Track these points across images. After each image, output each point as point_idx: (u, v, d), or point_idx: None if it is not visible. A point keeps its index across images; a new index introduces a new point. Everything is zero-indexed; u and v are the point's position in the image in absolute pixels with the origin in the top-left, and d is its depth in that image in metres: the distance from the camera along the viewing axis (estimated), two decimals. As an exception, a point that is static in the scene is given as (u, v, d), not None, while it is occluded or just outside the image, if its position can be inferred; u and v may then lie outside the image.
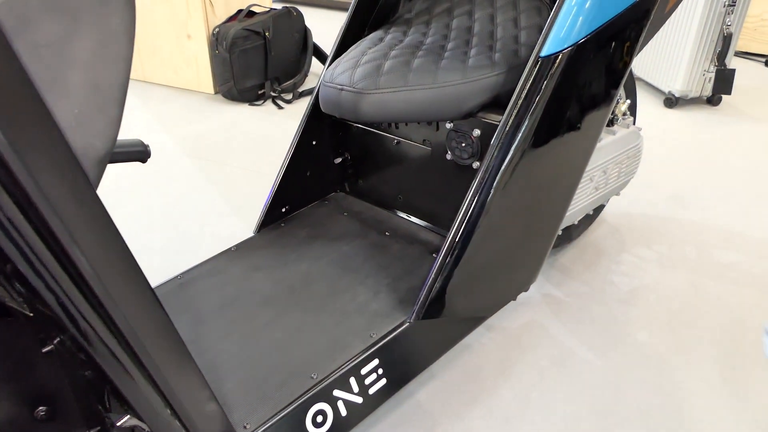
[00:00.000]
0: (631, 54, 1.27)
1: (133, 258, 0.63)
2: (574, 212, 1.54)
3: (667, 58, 2.75)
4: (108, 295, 0.60)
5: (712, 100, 2.79)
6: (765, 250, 1.82)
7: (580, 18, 1.11)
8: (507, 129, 1.11)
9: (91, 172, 0.59)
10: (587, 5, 1.11)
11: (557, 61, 1.10)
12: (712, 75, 2.69)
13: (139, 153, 0.84)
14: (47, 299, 0.57)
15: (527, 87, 1.10)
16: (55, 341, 0.66)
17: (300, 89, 2.90)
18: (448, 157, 1.35)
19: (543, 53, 1.11)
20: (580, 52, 1.13)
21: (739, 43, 3.47)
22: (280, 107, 2.75)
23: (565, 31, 1.10)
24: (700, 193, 2.11)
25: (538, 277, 1.68)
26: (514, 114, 1.11)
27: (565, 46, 1.10)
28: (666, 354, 1.45)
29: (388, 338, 1.10)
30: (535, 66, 1.11)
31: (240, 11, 2.80)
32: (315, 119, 1.46)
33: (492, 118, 1.22)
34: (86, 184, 0.58)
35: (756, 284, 1.68)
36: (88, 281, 0.58)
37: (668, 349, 1.46)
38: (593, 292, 1.64)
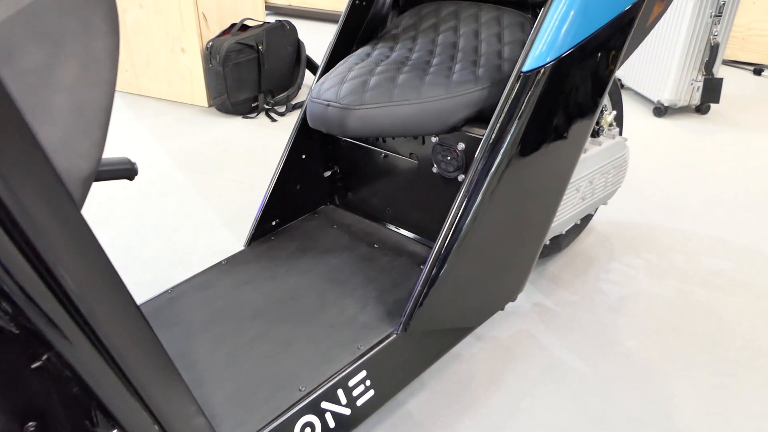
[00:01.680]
0: (612, 67, 1.29)
1: (118, 275, 0.65)
2: (561, 222, 1.56)
3: (655, 67, 2.78)
4: (92, 313, 0.62)
5: (701, 109, 2.82)
6: (752, 257, 1.84)
7: (561, 34, 1.13)
8: (490, 143, 1.13)
9: (75, 192, 0.61)
10: (567, 21, 1.13)
11: (538, 76, 1.12)
12: (700, 84, 2.72)
13: (126, 171, 0.86)
14: (32, 318, 0.59)
15: (509, 102, 1.13)
16: (44, 357, 0.68)
17: (293, 102, 2.92)
18: (434, 170, 1.37)
19: (525, 69, 1.13)
20: (560, 67, 1.15)
21: (727, 52, 3.51)
22: (273, 120, 2.77)
23: (545, 47, 1.13)
24: (688, 201, 2.14)
25: (528, 286, 1.70)
26: (496, 128, 1.13)
27: (546, 61, 1.12)
28: (655, 361, 1.46)
29: (375, 350, 1.11)
30: (517, 81, 1.13)
31: (233, 25, 2.83)
32: (304, 134, 1.48)
33: (476, 132, 1.24)
34: (70, 204, 0.60)
35: (743, 291, 1.70)
36: (73, 300, 0.60)
37: (657, 356, 1.48)
38: (582, 301, 1.66)
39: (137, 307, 0.67)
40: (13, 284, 0.57)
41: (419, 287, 1.14)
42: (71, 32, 0.58)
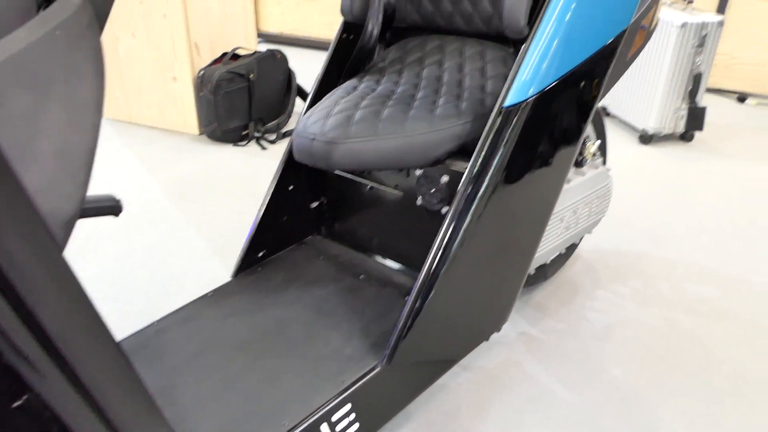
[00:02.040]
0: (593, 100, 1.32)
1: (100, 316, 0.66)
2: (545, 252, 1.57)
3: (640, 96, 2.82)
4: (73, 355, 0.62)
5: (686, 137, 2.87)
6: (736, 285, 1.86)
7: (541, 69, 1.16)
8: (473, 176, 1.15)
9: (58, 234, 0.62)
10: (548, 57, 1.16)
11: (519, 111, 1.15)
12: (685, 113, 2.76)
13: (111, 207, 0.87)
14: (11, 359, 0.59)
15: (491, 136, 1.15)
16: (24, 397, 0.68)
17: (284, 130, 2.95)
18: (419, 202, 1.38)
19: (506, 104, 1.15)
20: (541, 102, 1.17)
21: (711, 80, 3.57)
22: (263, 148, 2.79)
23: (526, 82, 1.15)
24: (673, 229, 2.16)
25: (514, 315, 1.71)
26: (479, 162, 1.15)
27: (527, 96, 1.15)
28: (641, 389, 1.47)
29: (360, 383, 1.12)
30: (499, 116, 1.15)
31: (225, 54, 2.87)
32: (291, 165, 1.50)
33: (459, 165, 1.26)
34: (53, 246, 0.61)
35: (728, 318, 1.72)
36: (54, 342, 0.61)
37: (643, 384, 1.49)
38: (568, 329, 1.67)
39: (119, 347, 0.68)
40: (-6, 326, 0.58)
41: (403, 320, 1.15)
42: (57, 78, 0.59)
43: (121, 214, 2.17)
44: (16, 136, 0.58)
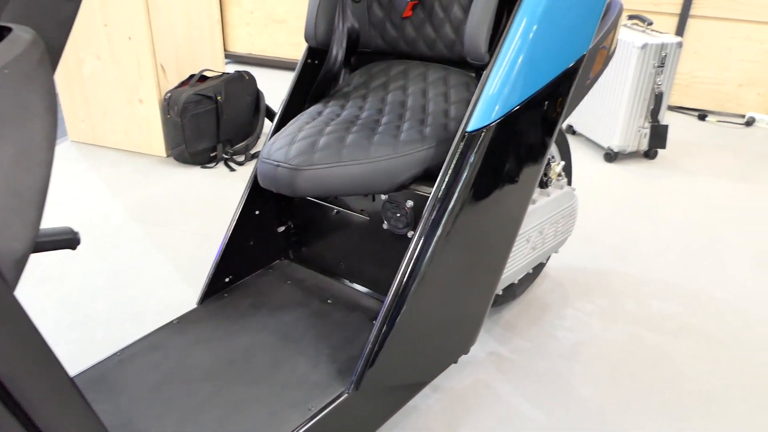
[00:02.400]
0: (555, 123, 1.34)
1: (53, 355, 0.64)
2: (513, 272, 1.59)
3: (605, 115, 2.88)
4: (26, 398, 0.61)
5: (649, 154, 2.93)
6: (700, 301, 1.90)
7: (503, 95, 1.18)
8: (437, 200, 1.16)
9: (8, 274, 0.61)
10: (509, 83, 1.18)
11: (482, 135, 1.16)
12: (648, 131, 2.82)
13: (68, 241, 0.85)
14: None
15: (455, 161, 1.16)
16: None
17: (252, 151, 2.93)
18: (385, 226, 1.39)
19: (469, 128, 1.17)
20: (504, 126, 1.19)
21: (673, 98, 3.66)
22: (232, 169, 2.77)
23: (488, 107, 1.17)
24: (639, 246, 2.20)
25: (483, 335, 1.72)
26: (443, 186, 1.16)
27: (489, 121, 1.16)
28: (609, 408, 1.48)
29: (327, 410, 1.11)
30: (462, 141, 1.16)
31: (192, 76, 2.85)
32: (257, 189, 1.49)
33: (424, 190, 1.27)
34: (3, 286, 0.59)
35: (693, 335, 1.74)
36: (4, 385, 0.59)
37: (611, 403, 1.50)
38: (537, 348, 1.68)
39: (75, 386, 0.66)
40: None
41: (370, 345, 1.15)
42: (6, 116, 0.58)
43: (82, 242, 2.13)
44: None
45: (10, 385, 0.60)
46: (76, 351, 1.62)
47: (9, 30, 0.65)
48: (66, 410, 0.67)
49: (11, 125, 0.59)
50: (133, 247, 2.12)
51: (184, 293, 1.87)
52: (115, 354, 1.26)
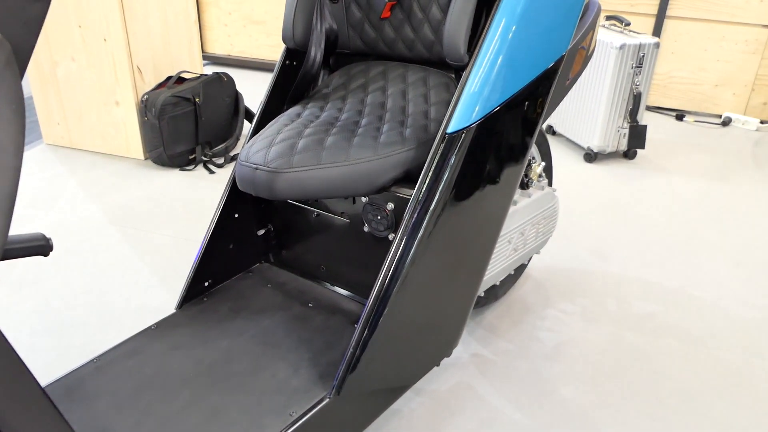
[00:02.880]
0: (535, 124, 1.34)
1: (27, 369, 0.62)
2: (495, 273, 1.58)
3: (584, 116, 2.89)
4: (1, 417, 0.59)
5: (628, 154, 2.95)
6: (679, 299, 1.91)
7: (483, 96, 1.17)
8: (418, 202, 1.15)
9: (-25, 283, 0.59)
10: (489, 84, 1.18)
11: (463, 136, 1.16)
12: (626, 131, 2.84)
13: (40, 247, 0.83)
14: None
15: (435, 162, 1.15)
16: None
17: (231, 153, 2.91)
18: (366, 229, 1.38)
19: (449, 130, 1.16)
20: (484, 128, 1.18)
21: (651, 99, 3.70)
22: (211, 172, 2.74)
23: (469, 108, 1.16)
24: (619, 245, 2.21)
25: (466, 336, 1.71)
26: (424, 188, 1.15)
27: (470, 123, 1.16)
28: (590, 409, 1.48)
29: (308, 416, 1.09)
30: (442, 142, 1.16)
31: (169, 78, 2.82)
32: (236, 193, 1.47)
33: (404, 192, 1.26)
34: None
35: (672, 333, 1.76)
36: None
37: (592, 403, 1.50)
38: (519, 350, 1.68)
39: (46, 396, 0.65)
40: None
41: (351, 349, 1.13)
42: (-30, 120, 0.56)
43: (58, 247, 2.10)
44: None
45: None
46: (53, 357, 1.59)
47: (-27, 31, 0.63)
48: (37, 421, 0.65)
49: (-24, 129, 0.57)
50: (111, 251, 2.08)
51: (163, 297, 1.84)
52: (92, 360, 1.24)
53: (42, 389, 0.66)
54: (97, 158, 2.85)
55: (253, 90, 3.87)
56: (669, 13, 3.50)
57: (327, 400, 1.13)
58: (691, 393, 1.55)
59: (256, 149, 1.21)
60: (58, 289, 1.87)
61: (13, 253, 0.81)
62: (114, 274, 1.96)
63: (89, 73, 2.73)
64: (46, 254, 0.84)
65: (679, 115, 3.58)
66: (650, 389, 1.55)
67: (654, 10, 3.52)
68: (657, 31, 3.53)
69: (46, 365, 1.57)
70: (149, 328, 1.35)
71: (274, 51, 4.38)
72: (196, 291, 1.45)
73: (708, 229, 2.36)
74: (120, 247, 2.11)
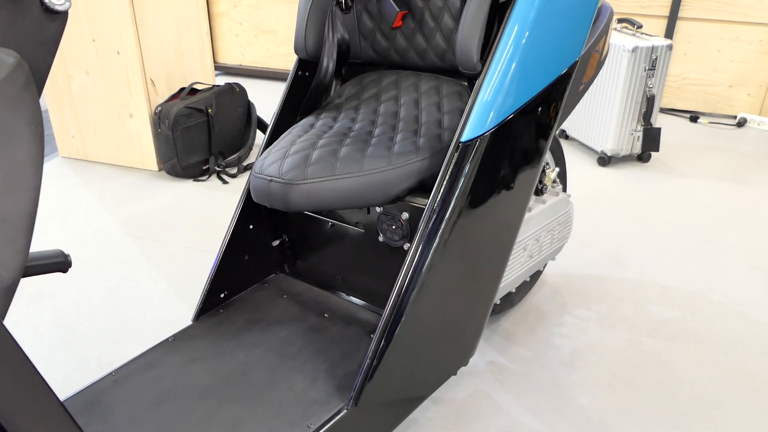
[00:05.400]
0: (549, 130, 1.34)
1: (44, 383, 0.63)
2: (510, 281, 1.58)
3: (597, 119, 2.88)
4: (14, 425, 0.59)
5: (642, 158, 2.93)
6: (697, 304, 1.89)
7: (497, 104, 1.17)
8: (433, 211, 1.15)
9: (-3, 302, 0.59)
10: (502, 92, 1.17)
11: (477, 145, 1.15)
12: (640, 134, 2.83)
13: (59, 264, 0.84)
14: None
15: (449, 171, 1.15)
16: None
17: (245, 163, 2.92)
18: (381, 238, 1.38)
19: (463, 139, 1.16)
20: (498, 136, 1.18)
21: (665, 101, 3.67)
22: (225, 182, 2.76)
23: (482, 117, 1.16)
24: (635, 250, 2.19)
25: (482, 344, 1.70)
26: (438, 197, 1.15)
27: (483, 131, 1.16)
28: (608, 417, 1.47)
29: (326, 427, 1.09)
30: (456, 151, 1.15)
31: (182, 89, 2.84)
32: (251, 204, 1.48)
33: (419, 201, 1.26)
34: (-8, 316, 0.58)
35: (691, 339, 1.74)
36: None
37: (610, 411, 1.49)
38: (536, 357, 1.67)
39: (66, 411, 0.65)
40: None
41: (368, 360, 1.13)
42: (-9, 142, 0.57)
43: (75, 259, 2.11)
44: None
45: (2, 417, 0.58)
46: (71, 370, 1.60)
47: (-7, 53, 0.64)
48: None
49: (-3, 151, 0.58)
50: (127, 263, 2.10)
51: (179, 309, 1.85)
52: (111, 374, 1.25)
53: (61, 404, 0.66)
54: (112, 170, 2.87)
55: (265, 99, 3.89)
56: (681, 14, 3.47)
57: (345, 411, 1.13)
58: (711, 399, 1.53)
59: (270, 161, 1.21)
60: (75, 301, 1.89)
61: (33, 270, 0.81)
62: (130, 285, 1.97)
63: (103, 86, 2.76)
64: (65, 271, 0.85)
65: (693, 117, 3.55)
66: (669, 396, 1.54)
67: (666, 12, 3.50)
68: (669, 33, 3.51)
69: (64, 378, 1.58)
70: (166, 340, 1.35)
71: (285, 60, 4.40)
72: (212, 303, 1.46)
73: (725, 231, 2.33)
74: (135, 259, 2.12)
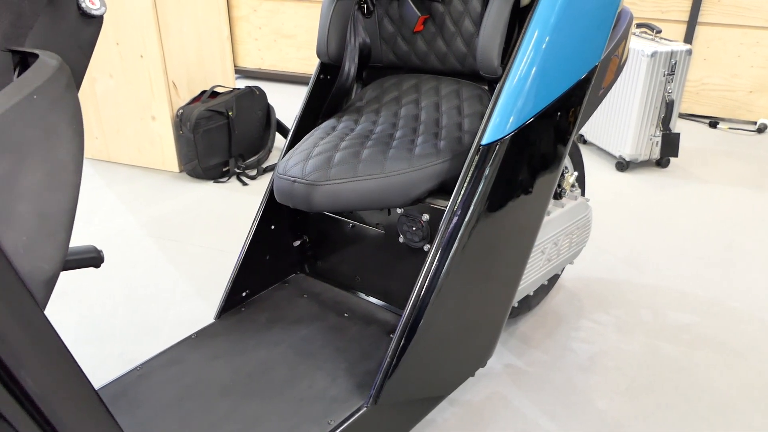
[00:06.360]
0: (569, 134, 1.35)
1: (82, 373, 0.65)
2: (528, 284, 1.58)
3: (616, 124, 2.88)
4: (56, 416, 0.61)
5: (661, 163, 2.92)
6: (716, 311, 1.89)
7: (517, 107, 1.18)
8: (453, 213, 1.16)
9: (38, 294, 0.62)
10: (522, 96, 1.19)
11: (497, 148, 1.17)
12: (659, 139, 2.82)
13: (92, 259, 0.86)
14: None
15: (470, 174, 1.17)
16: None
17: (264, 165, 2.95)
18: (401, 240, 1.39)
19: (484, 141, 1.17)
20: (518, 139, 1.20)
21: (684, 106, 3.66)
22: (244, 183, 2.79)
23: (503, 120, 1.17)
24: (653, 255, 2.19)
25: (499, 347, 1.71)
26: (459, 199, 1.16)
27: (504, 134, 1.17)
28: (625, 421, 1.47)
29: (346, 425, 1.11)
30: (476, 154, 1.17)
31: (203, 92, 2.88)
32: (273, 204, 1.50)
33: (439, 203, 1.28)
34: (33, 307, 0.60)
35: (709, 344, 1.73)
36: (36, 403, 0.60)
37: (627, 416, 1.49)
38: (553, 360, 1.67)
39: (104, 406, 0.67)
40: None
41: (388, 359, 1.15)
42: (35, 141, 0.60)
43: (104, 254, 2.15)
44: None
45: (39, 401, 0.61)
46: (94, 366, 1.63)
47: (35, 56, 0.66)
48: (93, 424, 0.68)
49: (40, 149, 0.60)
50: (149, 262, 2.13)
51: (199, 308, 1.88)
52: (135, 368, 1.27)
53: (96, 392, 0.69)
54: (134, 171, 2.92)
55: (284, 102, 3.93)
56: (701, 19, 3.46)
57: (364, 409, 1.15)
58: (729, 406, 1.52)
59: (293, 162, 1.24)
60: (98, 298, 1.93)
61: (69, 264, 0.84)
62: (151, 284, 2.00)
63: (126, 89, 2.81)
64: (97, 266, 0.88)
65: (713, 123, 3.53)
66: (687, 402, 1.54)
67: (685, 17, 3.49)
68: (689, 38, 3.50)
69: (88, 373, 1.61)
70: (189, 337, 1.38)
71: (303, 64, 4.44)
72: (234, 301, 1.48)
73: (744, 238, 2.32)
74: (158, 259, 2.16)
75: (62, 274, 2.06)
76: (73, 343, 1.72)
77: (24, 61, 0.71)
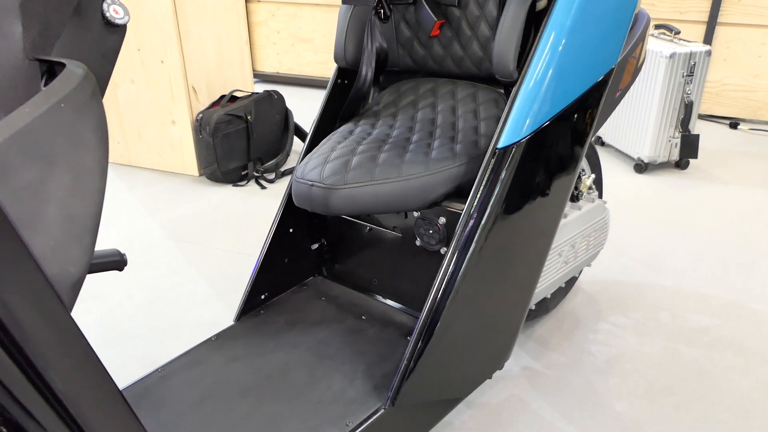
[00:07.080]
0: (586, 137, 1.35)
1: (108, 375, 0.67)
2: (546, 287, 1.59)
3: (634, 126, 2.86)
4: (83, 417, 0.63)
5: (680, 164, 2.90)
6: (736, 313, 1.87)
7: (533, 111, 1.19)
8: (470, 216, 1.17)
9: (65, 297, 0.64)
10: (539, 99, 1.19)
11: (513, 151, 1.17)
12: (678, 141, 2.80)
13: (116, 262, 0.88)
14: (21, 422, 0.60)
15: (486, 177, 1.17)
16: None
17: (282, 168, 2.98)
18: (418, 243, 1.40)
19: (500, 145, 1.18)
20: (534, 143, 1.20)
21: (704, 107, 3.63)
22: (263, 187, 2.82)
23: (519, 123, 1.18)
24: (672, 258, 2.17)
25: (516, 349, 1.71)
26: (475, 202, 1.17)
27: (520, 138, 1.18)
28: (645, 424, 1.47)
29: (363, 426, 1.12)
30: (493, 157, 1.18)
31: (223, 97, 2.91)
32: (291, 208, 1.52)
33: (456, 206, 1.29)
34: (60, 309, 0.62)
35: (729, 347, 1.72)
36: (64, 403, 0.62)
37: (647, 418, 1.48)
38: (571, 363, 1.67)
39: (129, 407, 0.69)
40: (3, 390, 0.59)
41: (405, 361, 1.16)
42: (63, 148, 0.62)
43: (127, 264, 2.19)
44: (23, 205, 0.60)
45: (67, 401, 0.62)
46: (115, 367, 1.66)
47: (62, 65, 0.68)
48: (118, 424, 0.70)
49: (67, 156, 0.62)
50: (170, 265, 2.16)
51: (219, 310, 1.90)
52: (157, 370, 1.30)
53: (120, 393, 0.70)
54: (155, 175, 2.96)
55: (302, 106, 3.96)
56: (720, 19, 3.43)
57: (382, 411, 1.16)
58: (749, 409, 1.51)
59: (311, 166, 1.25)
60: (120, 301, 1.96)
61: (94, 268, 0.86)
62: (173, 287, 2.03)
63: (147, 94, 2.85)
64: (121, 269, 0.90)
65: (733, 124, 3.50)
66: (707, 405, 1.53)
67: (704, 18, 3.46)
68: (708, 39, 3.47)
69: (110, 375, 1.64)
70: (209, 339, 1.40)
71: (321, 68, 4.47)
72: (253, 304, 1.50)
73: (764, 240, 2.29)
74: (177, 261, 2.18)
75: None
76: (94, 345, 1.75)
77: (51, 70, 0.73)
